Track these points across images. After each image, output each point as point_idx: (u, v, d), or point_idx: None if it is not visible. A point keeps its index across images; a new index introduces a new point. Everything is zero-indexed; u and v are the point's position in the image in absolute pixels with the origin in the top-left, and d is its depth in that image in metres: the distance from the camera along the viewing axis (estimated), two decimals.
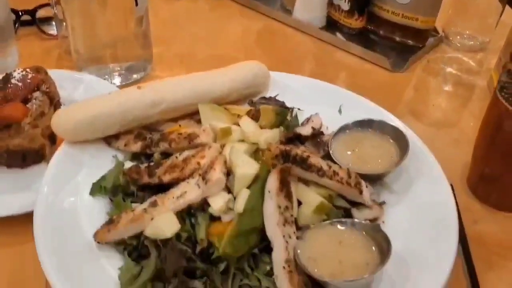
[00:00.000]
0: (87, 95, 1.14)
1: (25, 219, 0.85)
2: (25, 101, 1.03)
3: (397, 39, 1.44)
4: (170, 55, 1.40)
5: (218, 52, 1.44)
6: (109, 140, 0.97)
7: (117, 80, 1.26)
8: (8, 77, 1.06)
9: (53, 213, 0.83)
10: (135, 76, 1.28)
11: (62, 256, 0.77)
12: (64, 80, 1.18)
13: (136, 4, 1.16)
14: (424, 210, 0.88)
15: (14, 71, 1.07)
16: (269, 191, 0.80)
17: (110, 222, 0.82)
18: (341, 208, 0.87)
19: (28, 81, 1.05)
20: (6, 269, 0.87)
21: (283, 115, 1.00)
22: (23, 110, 1.01)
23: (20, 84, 1.04)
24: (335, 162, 0.91)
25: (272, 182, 0.81)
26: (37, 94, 1.05)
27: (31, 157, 1.03)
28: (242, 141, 0.91)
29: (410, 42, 1.44)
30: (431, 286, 0.76)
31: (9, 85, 1.04)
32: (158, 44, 1.35)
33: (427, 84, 1.36)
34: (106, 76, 1.25)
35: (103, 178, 0.91)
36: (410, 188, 0.92)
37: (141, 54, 1.27)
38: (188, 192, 0.82)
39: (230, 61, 1.11)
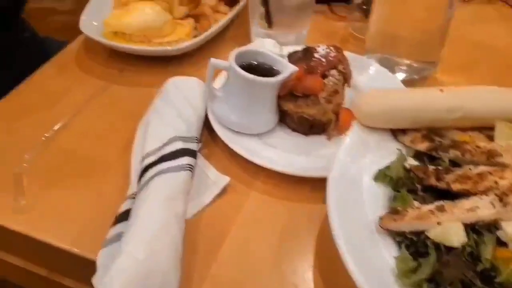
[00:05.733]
0: (370, 82, 1.22)
1: (302, 180, 0.94)
2: (323, 76, 1.12)
3: None
4: (452, 60, 1.37)
5: (507, 61, 1.36)
6: (396, 133, 1.00)
7: (400, 75, 1.28)
8: (310, 50, 1.15)
9: (344, 183, 0.89)
10: (415, 76, 1.28)
11: (347, 228, 0.83)
12: (351, 62, 1.25)
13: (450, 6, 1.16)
14: None
15: (318, 46, 1.16)
16: None
17: (396, 212, 0.85)
18: None
19: (331, 58, 1.13)
20: (281, 221, 0.97)
21: None
22: (321, 84, 1.09)
23: (323, 60, 1.13)
24: None
25: None
26: (333, 72, 1.12)
27: (316, 127, 1.12)
28: None
29: None
30: None
31: (313, 59, 1.13)
32: None
33: None
34: (388, 68, 1.27)
35: (387, 167, 0.94)
36: None
37: (431, 54, 1.28)
38: (481, 208, 0.81)
39: None
